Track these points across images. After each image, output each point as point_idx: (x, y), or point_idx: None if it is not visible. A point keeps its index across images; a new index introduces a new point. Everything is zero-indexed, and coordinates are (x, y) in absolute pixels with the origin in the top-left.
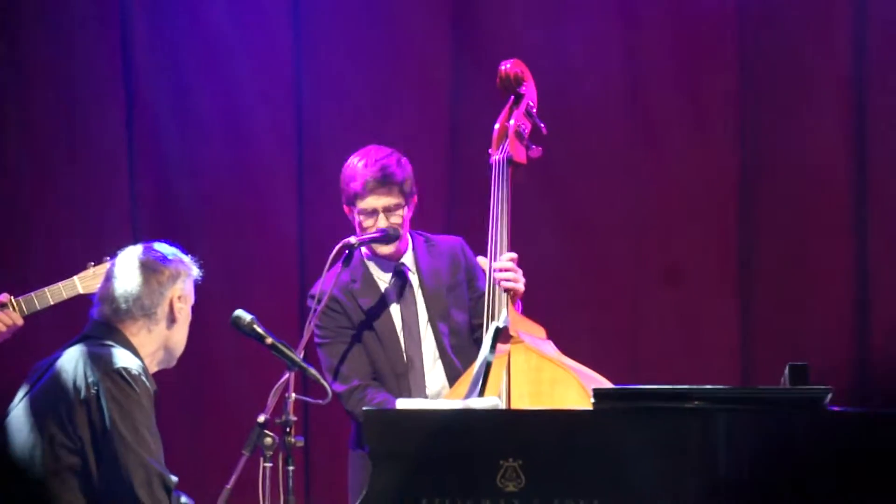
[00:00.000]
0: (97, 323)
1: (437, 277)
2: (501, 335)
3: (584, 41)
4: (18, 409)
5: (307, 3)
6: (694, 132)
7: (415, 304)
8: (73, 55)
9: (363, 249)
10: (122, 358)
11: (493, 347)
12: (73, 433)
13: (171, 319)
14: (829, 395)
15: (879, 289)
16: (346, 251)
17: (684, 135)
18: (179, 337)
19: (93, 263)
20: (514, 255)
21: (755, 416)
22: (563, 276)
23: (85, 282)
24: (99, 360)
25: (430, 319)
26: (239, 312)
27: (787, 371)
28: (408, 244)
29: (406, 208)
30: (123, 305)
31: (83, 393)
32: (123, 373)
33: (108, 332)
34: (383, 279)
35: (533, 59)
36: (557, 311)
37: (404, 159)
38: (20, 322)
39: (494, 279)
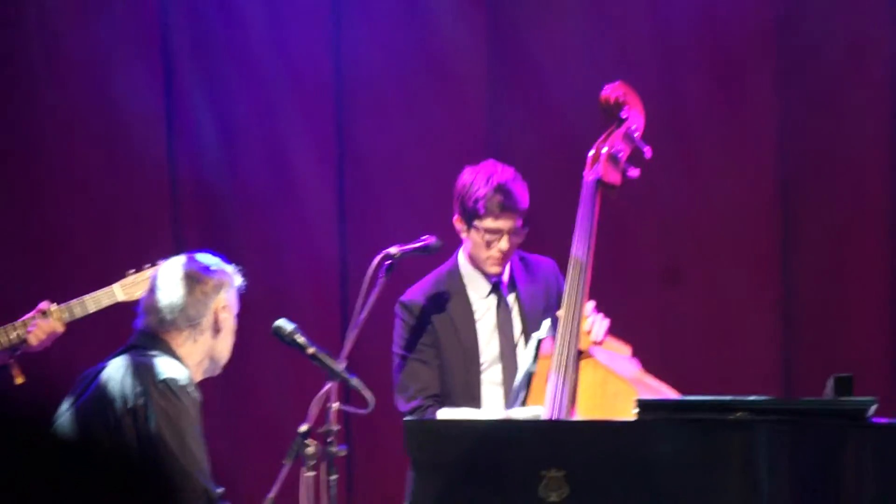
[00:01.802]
0: (142, 333)
1: (534, 298)
2: (541, 346)
3: (619, 47)
4: (65, 419)
5: (347, 11)
6: (731, 139)
7: (510, 322)
8: (112, 57)
9: (463, 260)
10: (168, 368)
11: (535, 358)
12: (121, 442)
13: (216, 329)
14: (874, 407)
15: None
16: (387, 262)
17: (721, 142)
18: (224, 346)
19: (133, 271)
20: (592, 302)
21: (799, 427)
22: (598, 289)
23: (125, 289)
24: (146, 371)
25: (524, 335)
26: (280, 322)
27: (831, 382)
28: (509, 263)
29: (524, 231)
30: (168, 316)
31: (130, 402)
32: (171, 383)
33: (154, 343)
34: (480, 295)
35: (566, 66)
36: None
37: (525, 184)
38: (61, 329)
39: (584, 217)
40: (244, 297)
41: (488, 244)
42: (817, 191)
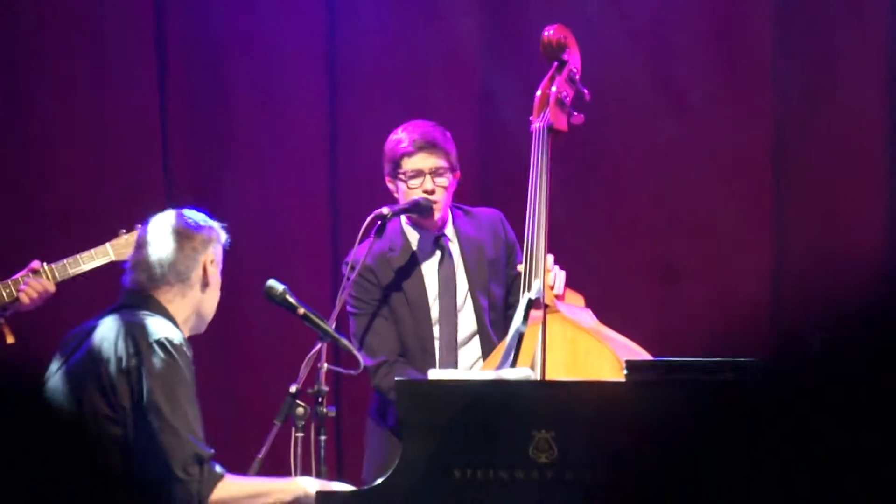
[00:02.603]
0: (131, 291)
1: (479, 249)
2: (533, 306)
3: (611, 3)
4: (56, 380)
5: None
6: (725, 92)
7: (454, 274)
8: (104, 20)
9: (403, 218)
10: (161, 328)
11: (525, 318)
12: (116, 403)
13: (205, 284)
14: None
15: None
16: (379, 222)
17: (715, 96)
18: (211, 301)
19: (124, 231)
20: (551, 256)
21: (783, 388)
22: (592, 241)
23: (117, 249)
24: (139, 331)
25: (471, 290)
26: (271, 283)
27: (817, 340)
28: (448, 216)
29: (451, 176)
30: (158, 271)
31: (125, 363)
32: (166, 343)
33: (144, 301)
34: (423, 249)
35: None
36: (586, 276)
37: (448, 134)
38: (52, 289)
39: (537, 174)
40: (235, 258)
41: (414, 189)
42: (812, 143)
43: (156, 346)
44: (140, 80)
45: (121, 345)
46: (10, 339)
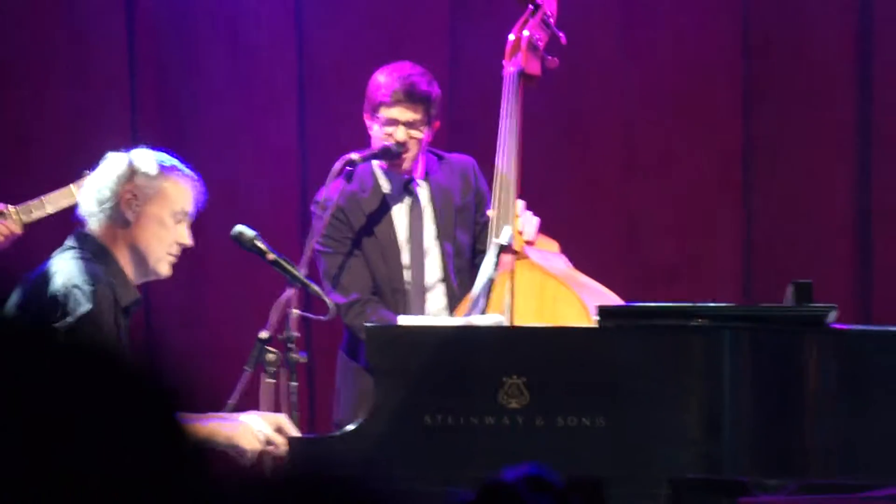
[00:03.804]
0: (76, 231)
1: (447, 196)
2: (505, 252)
3: None
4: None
5: None
6: (694, 43)
7: (422, 220)
8: None
9: (375, 161)
10: (69, 274)
11: (495, 264)
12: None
13: (124, 220)
14: (833, 313)
15: (882, 204)
16: (348, 168)
17: (684, 43)
18: (145, 239)
19: (88, 172)
20: (522, 202)
21: (759, 333)
22: (562, 188)
23: (82, 190)
24: (69, 272)
25: (438, 237)
26: (240, 228)
27: (790, 289)
28: (420, 161)
29: (428, 128)
30: (85, 207)
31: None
32: (75, 291)
33: (83, 240)
34: (393, 193)
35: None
36: (558, 223)
37: (435, 82)
38: (18, 231)
39: (508, 113)
40: (204, 209)
41: (387, 136)
42: (783, 92)
43: (72, 291)
44: (111, 50)
45: (50, 287)
46: None
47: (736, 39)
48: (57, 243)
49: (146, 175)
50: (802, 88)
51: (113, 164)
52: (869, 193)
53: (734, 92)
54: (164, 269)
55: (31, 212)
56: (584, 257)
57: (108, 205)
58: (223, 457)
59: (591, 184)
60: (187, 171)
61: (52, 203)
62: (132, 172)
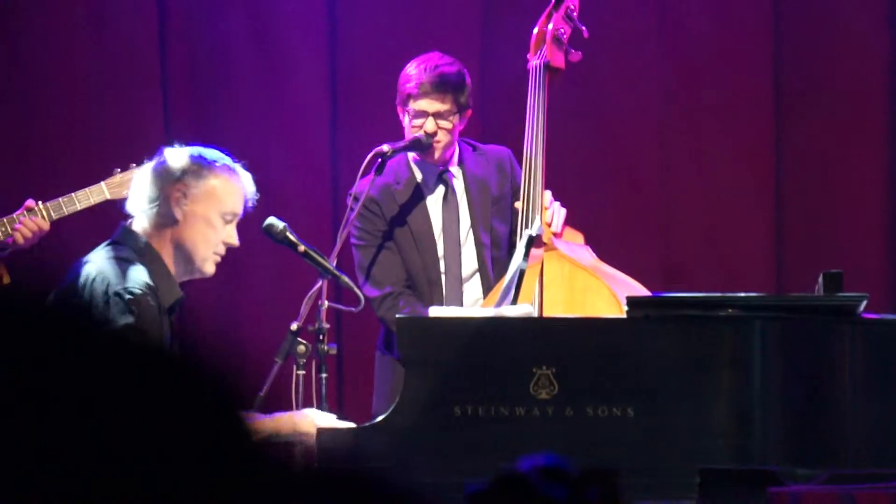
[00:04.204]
0: (123, 227)
1: (483, 186)
2: (535, 243)
3: None
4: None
5: None
6: (726, 47)
7: (457, 210)
8: None
9: (409, 154)
10: (113, 279)
11: (526, 255)
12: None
13: (173, 217)
14: (864, 302)
15: None
16: (379, 159)
17: (715, 52)
18: (191, 237)
19: (119, 169)
20: (549, 192)
21: (790, 323)
22: (592, 184)
23: (112, 188)
24: (102, 278)
25: (473, 227)
26: (271, 220)
27: (821, 279)
28: (454, 152)
29: (458, 118)
30: (133, 205)
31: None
32: (124, 294)
33: (127, 236)
34: (427, 183)
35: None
36: (587, 219)
37: (465, 71)
38: (46, 227)
39: (533, 106)
40: None
41: (417, 128)
42: (813, 99)
43: (113, 298)
44: (141, 25)
45: (92, 289)
46: (6, 279)
47: (767, 37)
48: (86, 237)
49: (196, 174)
50: (834, 87)
51: (162, 161)
52: None
53: (765, 89)
54: (209, 268)
55: (60, 208)
56: (613, 251)
57: (156, 202)
58: (286, 449)
59: (621, 178)
60: (239, 169)
61: (81, 200)
62: (183, 171)
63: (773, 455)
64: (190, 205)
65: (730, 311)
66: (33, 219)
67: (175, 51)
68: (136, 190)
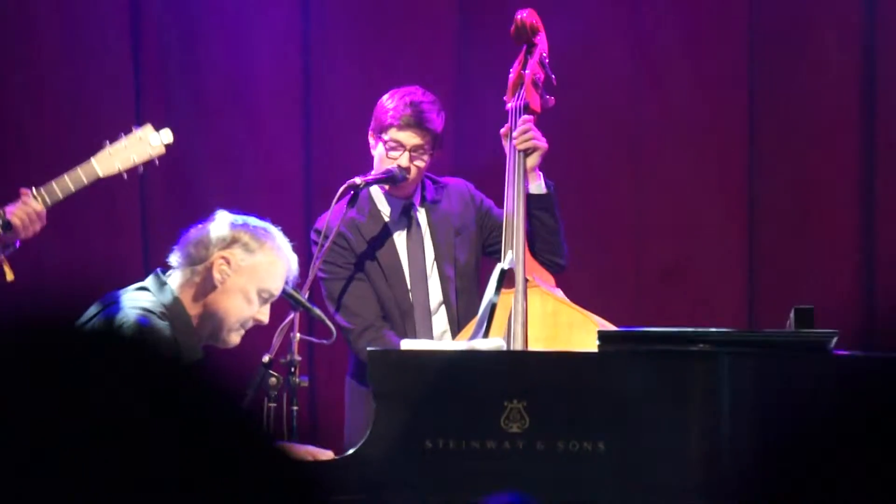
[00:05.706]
0: (156, 275)
1: (445, 219)
2: (506, 277)
3: None
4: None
5: None
6: (699, 71)
7: (422, 243)
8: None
9: (375, 185)
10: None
11: (497, 289)
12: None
13: (212, 281)
14: (835, 339)
15: (887, 223)
16: (352, 191)
17: (689, 74)
18: (225, 306)
19: (108, 141)
20: (529, 116)
21: (760, 359)
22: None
23: (102, 163)
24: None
25: (437, 260)
26: None
27: (792, 314)
28: (418, 185)
29: (430, 157)
30: (179, 249)
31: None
32: (126, 328)
33: (160, 288)
34: (392, 217)
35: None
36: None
37: (443, 113)
38: (40, 208)
39: (513, 146)
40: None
41: (391, 159)
42: (785, 120)
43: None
44: (114, 50)
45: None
46: (10, 277)
47: (743, 49)
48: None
49: (246, 247)
50: (808, 113)
51: (216, 225)
52: (873, 208)
53: (740, 110)
54: (234, 339)
55: (54, 191)
56: (592, 262)
57: (199, 265)
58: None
59: (598, 193)
60: (287, 249)
61: (74, 180)
62: (234, 239)
63: (741, 493)
64: (233, 276)
65: (701, 346)
66: (30, 204)
67: (149, 81)
68: (183, 245)
